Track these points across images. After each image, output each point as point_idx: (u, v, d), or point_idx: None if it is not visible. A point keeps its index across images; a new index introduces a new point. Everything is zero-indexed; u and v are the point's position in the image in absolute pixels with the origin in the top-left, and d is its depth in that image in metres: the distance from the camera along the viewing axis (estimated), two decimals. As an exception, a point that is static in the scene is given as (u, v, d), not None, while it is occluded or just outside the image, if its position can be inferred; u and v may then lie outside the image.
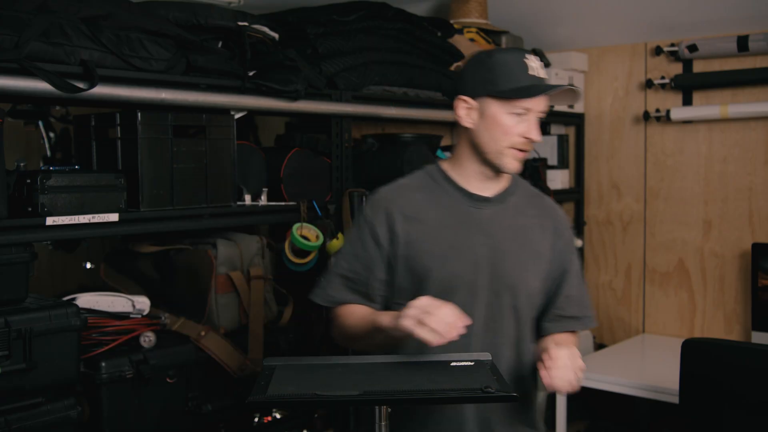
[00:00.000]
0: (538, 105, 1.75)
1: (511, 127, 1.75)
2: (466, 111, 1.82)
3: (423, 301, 1.57)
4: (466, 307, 1.65)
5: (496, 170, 1.82)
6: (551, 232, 1.87)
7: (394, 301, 1.83)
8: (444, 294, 1.68)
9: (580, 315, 1.90)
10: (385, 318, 1.68)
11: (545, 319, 1.88)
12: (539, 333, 1.89)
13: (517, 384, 1.82)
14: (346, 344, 1.94)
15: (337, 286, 1.86)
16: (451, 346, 1.61)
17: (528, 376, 1.88)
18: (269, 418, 2.52)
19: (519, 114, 1.75)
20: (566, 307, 1.86)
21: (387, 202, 1.84)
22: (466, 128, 1.84)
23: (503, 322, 1.81)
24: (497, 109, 1.76)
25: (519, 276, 1.81)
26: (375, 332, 1.72)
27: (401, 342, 1.69)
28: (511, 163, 1.79)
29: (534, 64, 1.76)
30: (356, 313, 1.82)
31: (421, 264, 1.79)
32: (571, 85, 1.76)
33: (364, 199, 2.69)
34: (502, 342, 1.81)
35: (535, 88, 1.74)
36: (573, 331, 1.92)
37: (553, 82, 3.80)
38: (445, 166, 1.90)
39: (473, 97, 1.79)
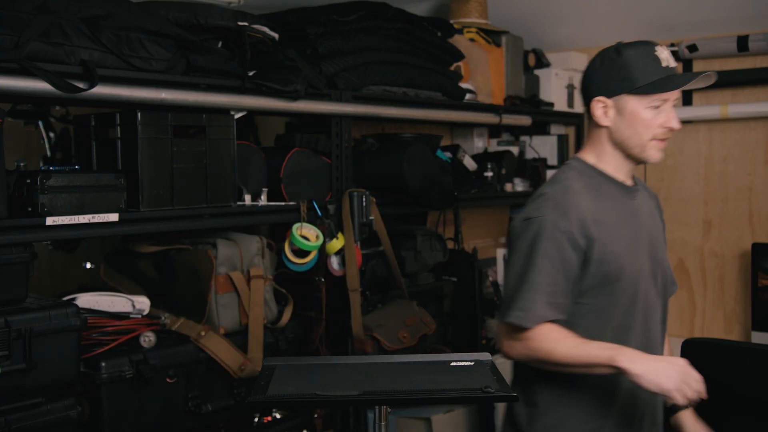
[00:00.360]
0: (673, 94, 1.80)
1: (651, 120, 1.79)
2: (603, 111, 1.84)
3: (681, 368, 1.66)
4: (639, 296, 1.81)
5: (639, 162, 1.87)
6: (658, 210, 2.00)
7: (577, 301, 1.80)
8: (632, 288, 1.80)
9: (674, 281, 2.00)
10: (605, 354, 1.68)
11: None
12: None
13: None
14: (536, 365, 1.81)
15: (541, 305, 1.74)
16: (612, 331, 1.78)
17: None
18: (269, 418, 2.52)
19: (656, 106, 1.79)
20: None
21: (572, 207, 1.79)
22: (604, 126, 1.86)
23: (656, 304, 1.90)
24: (636, 104, 1.79)
25: (664, 258, 1.93)
26: (588, 365, 1.71)
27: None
28: (656, 153, 1.83)
29: (664, 54, 1.80)
30: (563, 340, 1.74)
31: (615, 264, 1.79)
32: (705, 71, 1.79)
33: (364, 199, 2.69)
34: (654, 338, 1.90)
35: (672, 80, 1.78)
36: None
37: (554, 81, 3.81)
38: (591, 161, 1.90)
39: (609, 96, 1.83)
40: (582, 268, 1.78)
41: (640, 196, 1.92)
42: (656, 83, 1.77)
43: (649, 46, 1.81)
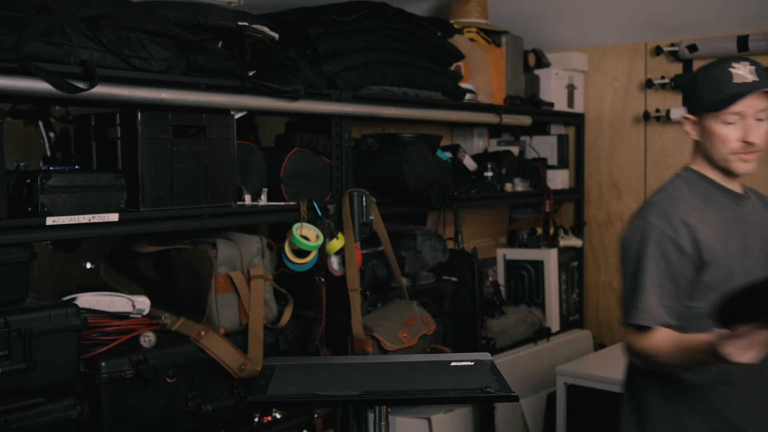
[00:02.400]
0: (749, 107, 1.83)
1: (727, 136, 1.86)
2: (691, 127, 1.95)
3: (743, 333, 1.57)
4: None
5: (729, 174, 1.94)
6: None
7: (687, 305, 1.86)
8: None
9: None
10: (703, 342, 1.67)
11: None
12: None
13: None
14: (650, 368, 1.89)
15: (655, 305, 1.83)
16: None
17: None
18: (269, 418, 2.52)
19: (732, 122, 1.85)
20: None
21: (678, 213, 1.88)
22: (697, 140, 1.96)
23: None
24: (711, 122, 1.87)
25: None
26: (693, 360, 1.74)
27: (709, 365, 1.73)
28: (740, 166, 1.89)
29: (740, 71, 1.84)
30: (667, 339, 1.80)
31: (724, 268, 1.85)
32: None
33: (364, 199, 2.69)
34: None
35: (735, 93, 1.82)
36: None
37: (554, 81, 3.81)
38: (699, 170, 1.98)
39: (693, 114, 1.93)
40: (690, 271, 1.85)
41: (752, 203, 1.97)
42: (721, 100, 1.83)
43: (725, 62, 1.86)
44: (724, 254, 1.86)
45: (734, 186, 1.96)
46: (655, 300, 1.83)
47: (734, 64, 1.84)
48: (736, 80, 1.83)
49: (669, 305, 1.84)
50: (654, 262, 1.85)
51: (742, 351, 1.56)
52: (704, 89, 1.87)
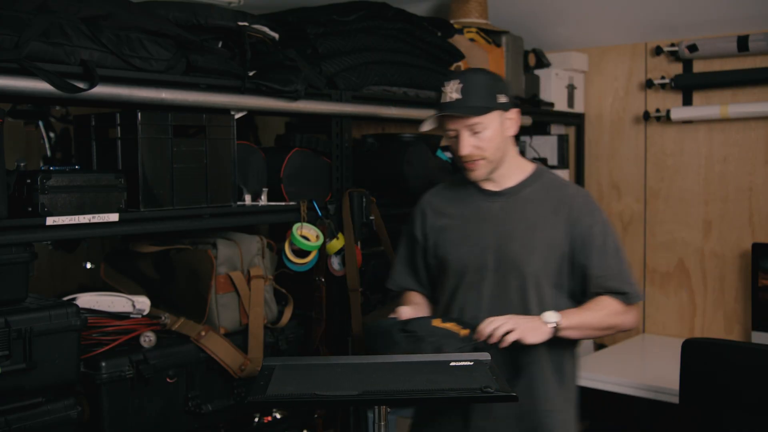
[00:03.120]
0: (457, 125, 1.97)
1: (452, 147, 2.03)
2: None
3: None
4: (473, 287, 2.01)
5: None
6: (565, 218, 2.02)
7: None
8: (458, 275, 2.04)
9: (620, 289, 2.03)
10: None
11: (589, 298, 2.03)
12: None
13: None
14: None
15: (401, 275, 2.25)
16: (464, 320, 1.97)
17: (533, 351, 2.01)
18: (269, 418, 2.52)
19: (452, 135, 2.01)
20: (603, 284, 2.01)
21: (423, 201, 2.19)
22: None
23: (511, 303, 2.00)
24: (446, 134, 2.04)
25: (524, 260, 1.99)
26: None
27: None
28: (469, 174, 2.04)
29: (448, 89, 1.98)
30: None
31: (442, 250, 2.09)
32: (450, 112, 1.99)
33: (364, 199, 2.69)
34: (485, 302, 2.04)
35: (440, 112, 1.99)
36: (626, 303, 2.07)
37: (554, 81, 3.81)
38: None
39: None
40: (423, 250, 2.20)
41: (514, 200, 2.06)
42: (434, 118, 2.02)
43: (445, 79, 2.00)
44: (446, 241, 2.08)
45: (496, 185, 2.07)
46: (403, 272, 2.29)
47: (446, 83, 1.98)
48: (443, 99, 1.97)
49: (415, 276, 2.28)
50: (402, 239, 2.30)
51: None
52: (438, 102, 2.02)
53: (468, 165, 2.00)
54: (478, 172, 2.01)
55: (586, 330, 1.97)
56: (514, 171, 2.07)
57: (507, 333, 1.84)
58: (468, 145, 1.96)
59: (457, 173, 2.20)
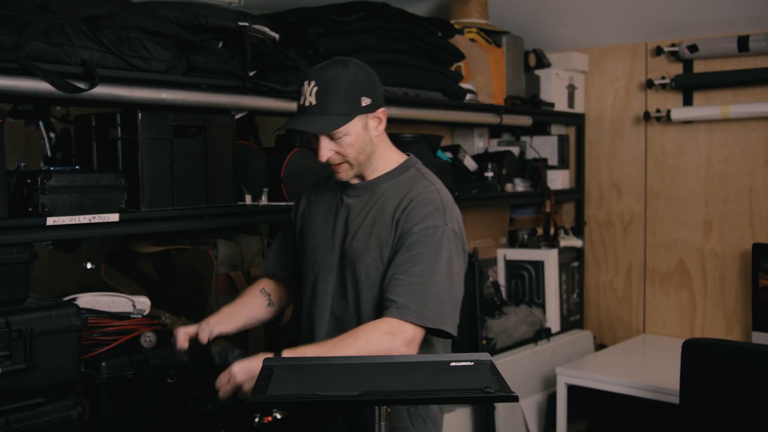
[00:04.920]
0: (312, 130, 1.81)
1: (315, 149, 1.86)
2: None
3: None
4: (322, 281, 1.92)
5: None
6: (399, 214, 1.86)
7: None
8: (310, 266, 1.96)
9: (395, 300, 1.78)
10: None
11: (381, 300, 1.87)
12: None
13: None
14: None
15: (271, 260, 2.14)
16: (307, 314, 1.94)
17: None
18: (269, 418, 2.52)
19: (311, 137, 1.86)
20: (389, 289, 1.81)
21: (305, 189, 2.09)
22: None
23: (348, 298, 1.90)
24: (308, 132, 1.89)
25: (359, 256, 1.87)
26: None
27: None
28: (336, 175, 1.90)
29: (305, 90, 1.80)
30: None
31: (303, 237, 2.02)
32: (304, 130, 1.89)
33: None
34: (348, 317, 1.90)
35: (294, 116, 1.83)
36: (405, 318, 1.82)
37: (554, 81, 3.81)
38: None
39: None
40: (293, 239, 2.09)
41: (367, 196, 1.92)
42: (289, 122, 1.84)
43: (303, 76, 1.83)
44: (304, 232, 2.01)
45: (357, 178, 1.93)
46: (273, 258, 2.18)
47: (305, 83, 1.80)
48: (300, 101, 1.80)
49: (283, 262, 2.17)
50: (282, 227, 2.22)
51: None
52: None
53: (334, 168, 1.87)
54: (344, 174, 1.88)
55: None
56: (379, 165, 1.91)
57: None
58: (327, 151, 1.82)
59: None
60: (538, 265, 3.73)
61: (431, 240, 1.81)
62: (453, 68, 3.30)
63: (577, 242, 3.92)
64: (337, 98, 1.77)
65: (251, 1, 2.87)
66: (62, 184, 1.97)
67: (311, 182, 2.10)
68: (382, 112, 1.86)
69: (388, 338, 1.75)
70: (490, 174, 3.43)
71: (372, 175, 1.92)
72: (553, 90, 3.82)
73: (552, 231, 3.78)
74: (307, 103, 1.77)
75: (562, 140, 3.94)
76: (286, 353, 1.71)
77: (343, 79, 1.78)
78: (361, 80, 1.82)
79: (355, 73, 1.81)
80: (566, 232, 3.93)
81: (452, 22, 3.47)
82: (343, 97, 1.77)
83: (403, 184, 1.91)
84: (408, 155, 1.97)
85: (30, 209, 1.94)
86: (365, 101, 1.81)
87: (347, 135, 1.80)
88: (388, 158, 1.93)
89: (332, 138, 1.80)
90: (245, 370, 1.70)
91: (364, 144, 1.84)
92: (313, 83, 1.77)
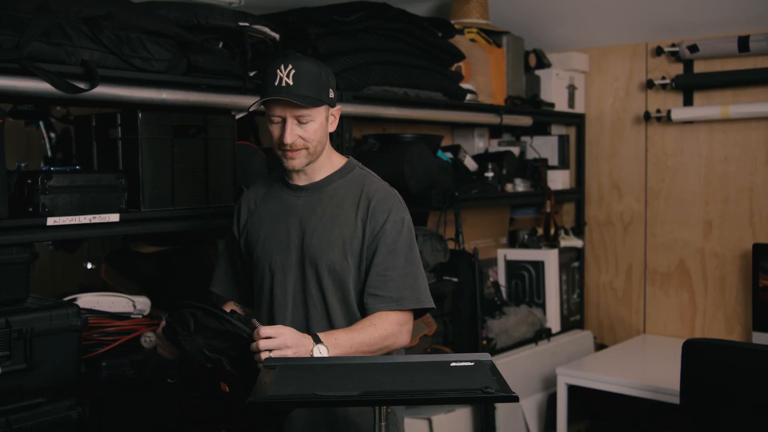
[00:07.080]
0: (284, 112, 1.88)
1: (272, 133, 1.92)
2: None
3: None
4: (280, 283, 1.96)
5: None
6: (363, 213, 1.97)
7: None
8: (264, 271, 1.99)
9: (390, 295, 1.93)
10: None
11: (364, 297, 1.96)
12: (362, 310, 1.97)
13: None
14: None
15: (217, 277, 2.16)
16: (267, 318, 1.96)
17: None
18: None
19: (276, 122, 1.90)
20: (378, 285, 1.94)
21: (241, 198, 2.11)
22: None
23: (312, 297, 1.96)
24: (268, 117, 1.93)
25: (321, 254, 1.94)
26: None
27: None
28: (287, 162, 1.94)
29: (282, 73, 1.87)
30: None
31: (250, 246, 2.04)
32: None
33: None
34: (313, 315, 1.97)
35: (268, 97, 1.87)
36: (407, 311, 1.96)
37: (554, 81, 3.81)
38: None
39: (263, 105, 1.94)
40: (238, 246, 2.09)
41: (318, 195, 2.00)
42: (261, 101, 1.90)
43: (280, 62, 1.89)
44: (253, 237, 2.02)
45: (303, 180, 2.00)
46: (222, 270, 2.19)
47: (281, 65, 1.87)
48: (274, 82, 1.87)
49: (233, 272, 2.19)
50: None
51: None
52: (263, 82, 1.90)
53: (288, 153, 1.93)
54: (297, 161, 1.94)
55: (358, 353, 1.89)
56: (325, 165, 2.01)
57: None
58: (293, 134, 1.90)
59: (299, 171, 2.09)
60: (539, 266, 3.73)
61: (402, 232, 1.96)
62: (453, 68, 3.30)
63: (577, 242, 3.92)
64: (312, 84, 1.88)
65: (251, 1, 2.87)
66: (62, 184, 1.97)
67: (245, 194, 2.12)
68: (337, 110, 1.99)
69: (397, 328, 1.92)
70: (490, 174, 3.43)
71: (319, 175, 2.01)
72: (553, 90, 3.82)
73: (552, 231, 3.78)
74: (284, 84, 1.86)
75: (563, 140, 3.94)
76: (321, 336, 1.82)
77: (316, 70, 1.91)
78: (328, 76, 1.94)
79: (324, 69, 1.94)
80: (566, 233, 3.93)
81: (452, 22, 3.47)
82: (317, 84, 1.89)
83: (354, 182, 2.01)
84: (348, 157, 2.08)
85: (30, 209, 1.94)
86: (332, 94, 1.94)
87: (313, 121, 1.91)
88: (333, 159, 2.03)
89: (300, 122, 1.89)
90: (296, 336, 1.77)
91: (323, 135, 1.95)
92: (290, 67, 1.87)
